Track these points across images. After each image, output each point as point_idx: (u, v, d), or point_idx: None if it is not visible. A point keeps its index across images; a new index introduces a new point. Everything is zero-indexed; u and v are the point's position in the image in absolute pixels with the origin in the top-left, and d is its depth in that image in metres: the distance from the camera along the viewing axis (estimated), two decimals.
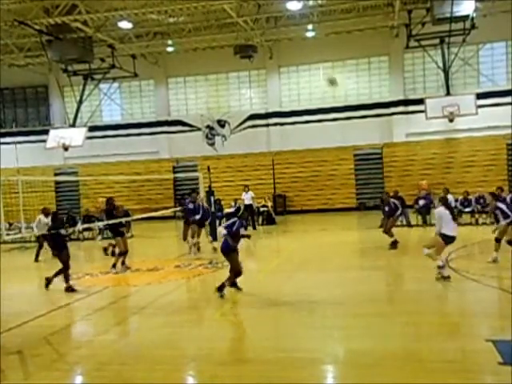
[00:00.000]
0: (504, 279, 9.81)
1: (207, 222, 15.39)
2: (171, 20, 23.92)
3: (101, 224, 17.78)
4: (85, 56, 23.86)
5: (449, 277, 9.73)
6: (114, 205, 13.41)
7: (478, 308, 8.21)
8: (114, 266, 12.86)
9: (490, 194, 12.19)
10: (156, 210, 22.99)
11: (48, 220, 15.93)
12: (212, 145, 29.73)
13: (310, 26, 25.60)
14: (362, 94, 28.32)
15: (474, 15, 22.45)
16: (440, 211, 9.89)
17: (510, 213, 11.01)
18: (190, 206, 14.99)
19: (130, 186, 28.22)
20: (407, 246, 16.38)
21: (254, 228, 21.22)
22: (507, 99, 25.63)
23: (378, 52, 27.69)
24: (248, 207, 20.54)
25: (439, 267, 9.76)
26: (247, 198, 21.54)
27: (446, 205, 10.02)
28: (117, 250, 13.28)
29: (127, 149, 29.58)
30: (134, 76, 27.81)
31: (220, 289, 9.37)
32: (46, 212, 15.95)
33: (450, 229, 9.74)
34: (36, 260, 15.73)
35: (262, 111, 29.14)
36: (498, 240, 11.20)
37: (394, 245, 14.36)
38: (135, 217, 18.34)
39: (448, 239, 9.74)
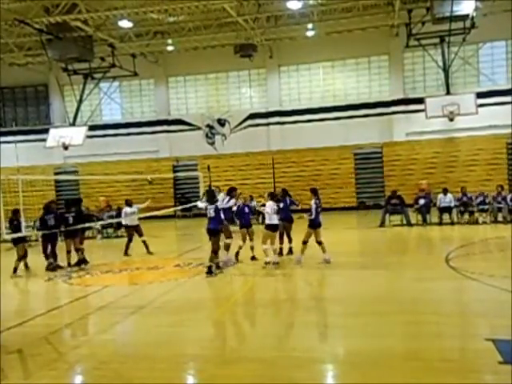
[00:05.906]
0: (504, 278, 9.79)
1: None
2: (171, 19, 23.92)
3: (100, 223, 17.80)
4: (85, 55, 23.85)
5: None
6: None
7: (478, 307, 8.19)
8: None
9: None
10: (156, 209, 22.96)
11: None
12: (212, 144, 29.71)
13: (310, 25, 25.57)
14: (362, 93, 28.30)
15: (474, 14, 22.45)
16: None
17: None
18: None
19: (131, 185, 28.20)
20: (408, 246, 16.41)
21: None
22: (507, 98, 25.62)
23: (378, 51, 27.68)
24: None
25: None
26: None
27: None
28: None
29: (127, 148, 29.59)
30: (134, 75, 27.81)
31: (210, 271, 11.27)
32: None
33: None
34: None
35: (262, 110, 29.13)
36: None
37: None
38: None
39: None
